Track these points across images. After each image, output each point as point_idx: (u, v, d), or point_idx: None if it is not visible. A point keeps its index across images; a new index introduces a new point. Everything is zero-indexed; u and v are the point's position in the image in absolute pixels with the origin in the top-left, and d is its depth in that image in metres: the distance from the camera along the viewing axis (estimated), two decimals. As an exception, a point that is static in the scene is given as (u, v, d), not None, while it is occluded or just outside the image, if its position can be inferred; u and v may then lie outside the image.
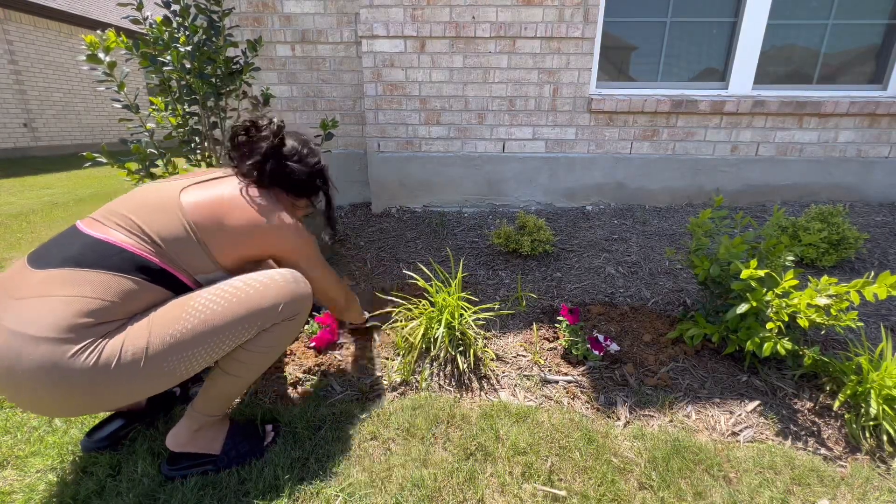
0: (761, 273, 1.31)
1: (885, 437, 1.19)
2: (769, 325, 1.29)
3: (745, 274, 1.31)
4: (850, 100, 2.65)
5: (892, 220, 2.55)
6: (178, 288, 0.98)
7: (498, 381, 1.45)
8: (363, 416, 1.30)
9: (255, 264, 1.16)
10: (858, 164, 2.78)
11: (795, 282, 1.29)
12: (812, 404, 1.33)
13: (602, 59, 2.75)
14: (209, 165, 1.96)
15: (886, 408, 1.20)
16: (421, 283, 1.77)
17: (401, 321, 1.65)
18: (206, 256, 1.00)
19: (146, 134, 1.82)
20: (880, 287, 1.12)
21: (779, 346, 1.27)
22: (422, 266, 2.14)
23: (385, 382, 1.45)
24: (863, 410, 1.22)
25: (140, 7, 1.75)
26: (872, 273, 1.23)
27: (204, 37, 1.81)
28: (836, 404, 1.28)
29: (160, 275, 0.95)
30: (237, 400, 1.40)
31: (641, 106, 2.67)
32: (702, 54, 2.78)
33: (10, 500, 1.06)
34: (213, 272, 1.02)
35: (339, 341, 1.64)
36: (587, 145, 2.81)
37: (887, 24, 2.68)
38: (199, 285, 1.02)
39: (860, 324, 1.31)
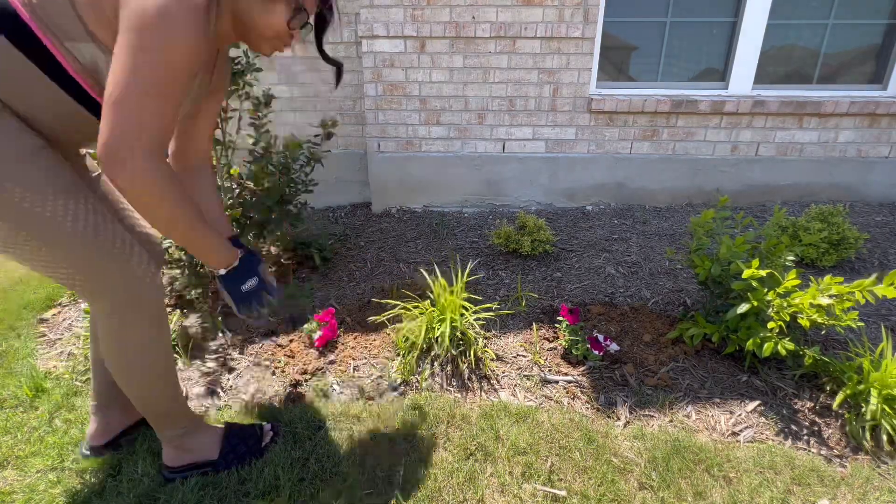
0: (763, 273, 1.31)
1: (885, 437, 1.19)
2: (770, 325, 1.29)
3: (746, 273, 1.31)
4: (851, 100, 2.65)
5: (892, 220, 2.55)
6: (38, 54, 0.76)
7: (498, 381, 1.45)
8: (363, 416, 1.30)
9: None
10: (858, 164, 2.78)
11: (798, 281, 1.29)
12: (812, 404, 1.33)
13: (602, 59, 2.75)
14: (211, 166, 1.96)
15: (887, 407, 1.20)
16: (427, 282, 1.77)
17: (401, 321, 1.65)
18: (74, 15, 0.76)
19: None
20: (887, 288, 1.12)
21: (779, 347, 1.28)
22: (423, 266, 2.15)
23: (385, 382, 1.45)
24: (863, 410, 1.22)
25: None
26: (876, 275, 1.23)
27: (204, 37, 1.81)
28: (837, 404, 1.28)
29: (12, 24, 0.73)
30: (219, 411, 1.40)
31: (641, 106, 2.67)
32: (702, 54, 2.78)
33: (10, 500, 1.06)
34: (81, 40, 0.78)
35: (338, 339, 1.64)
36: (587, 145, 2.81)
37: (887, 23, 2.68)
38: (67, 58, 0.78)
39: (861, 324, 1.31)
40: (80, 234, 0.84)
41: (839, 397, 1.27)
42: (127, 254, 0.90)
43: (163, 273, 1.17)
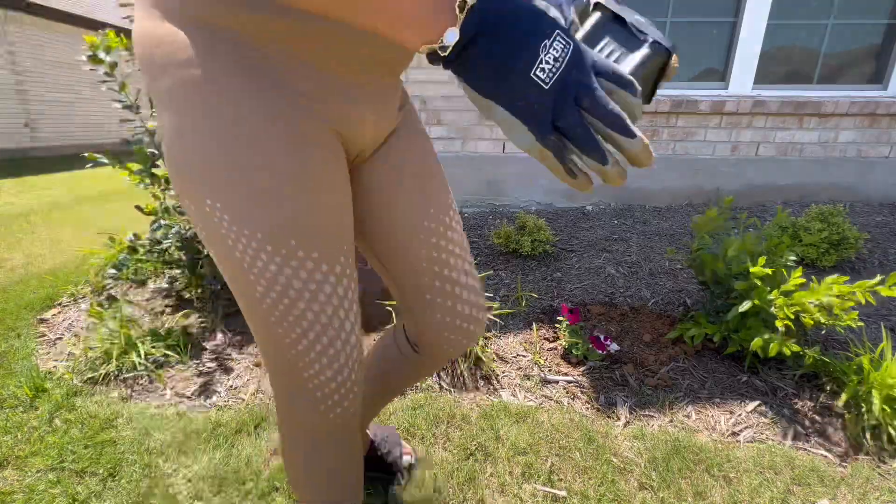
0: (769, 271, 1.31)
1: (885, 437, 1.19)
2: (777, 324, 1.29)
3: (754, 270, 1.31)
4: (851, 100, 2.65)
5: (892, 220, 2.55)
6: None
7: (498, 381, 1.45)
8: (363, 416, 1.30)
9: None
10: (859, 164, 2.78)
11: (802, 280, 1.29)
12: (812, 404, 1.33)
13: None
14: None
15: (887, 408, 1.20)
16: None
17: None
18: None
19: (147, 134, 1.82)
20: (889, 289, 1.12)
21: (784, 348, 1.28)
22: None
23: (385, 382, 1.45)
24: (863, 410, 1.22)
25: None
26: (879, 277, 1.23)
27: (204, 37, 1.81)
28: (840, 403, 1.27)
29: None
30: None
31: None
32: (702, 54, 2.78)
33: (10, 500, 1.06)
34: None
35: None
36: (587, 145, 2.81)
37: (887, 23, 2.68)
38: None
39: (861, 323, 1.31)
40: (261, 304, 0.54)
41: (842, 398, 1.27)
42: (309, 363, 0.57)
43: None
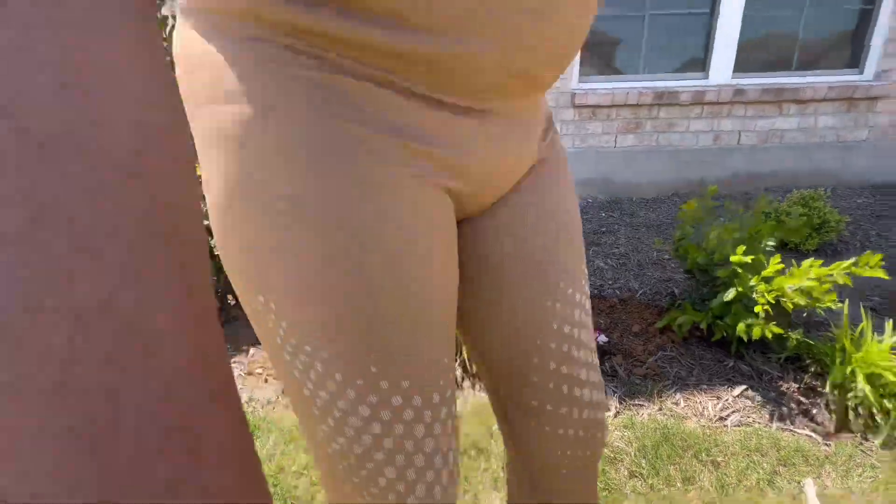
0: (748, 259, 1.34)
1: (867, 415, 1.22)
2: (756, 309, 1.32)
3: (734, 259, 1.34)
4: (828, 85, 2.69)
5: (872, 202, 2.60)
6: None
7: (490, 378, 1.47)
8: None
9: None
10: (838, 149, 2.83)
11: (781, 266, 1.32)
12: (797, 386, 1.35)
13: (583, 54, 2.77)
14: None
15: (869, 387, 1.22)
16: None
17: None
18: None
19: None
20: (862, 269, 1.15)
21: (766, 332, 1.30)
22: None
23: (378, 384, 1.46)
24: (844, 389, 1.25)
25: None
26: (854, 259, 1.26)
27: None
28: (827, 386, 1.30)
29: None
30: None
31: (624, 99, 2.69)
32: (681, 45, 2.81)
33: None
34: None
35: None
36: (572, 140, 2.83)
37: (861, 8, 2.72)
38: None
39: (840, 305, 1.34)
40: (327, 448, 0.38)
41: (830, 380, 1.29)
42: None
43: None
